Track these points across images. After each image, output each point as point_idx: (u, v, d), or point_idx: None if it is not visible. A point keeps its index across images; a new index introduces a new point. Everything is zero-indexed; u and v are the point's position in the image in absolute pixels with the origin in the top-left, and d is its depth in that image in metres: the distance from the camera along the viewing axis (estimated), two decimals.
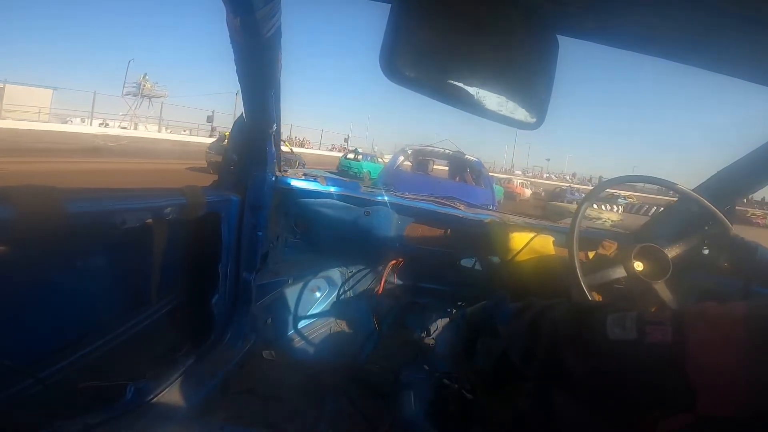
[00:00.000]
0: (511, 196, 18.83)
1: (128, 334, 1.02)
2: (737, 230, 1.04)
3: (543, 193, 21.53)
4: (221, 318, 1.32)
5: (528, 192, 20.92)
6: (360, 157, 15.73)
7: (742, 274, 1.01)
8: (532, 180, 32.14)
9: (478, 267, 1.62)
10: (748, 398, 0.36)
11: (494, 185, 6.11)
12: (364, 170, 14.22)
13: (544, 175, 47.83)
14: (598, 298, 0.94)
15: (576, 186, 26.70)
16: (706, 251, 1.16)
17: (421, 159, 5.82)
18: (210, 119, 24.32)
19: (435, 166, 6.30)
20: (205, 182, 1.32)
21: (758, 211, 22.39)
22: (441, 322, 1.52)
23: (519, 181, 22.80)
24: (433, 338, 1.41)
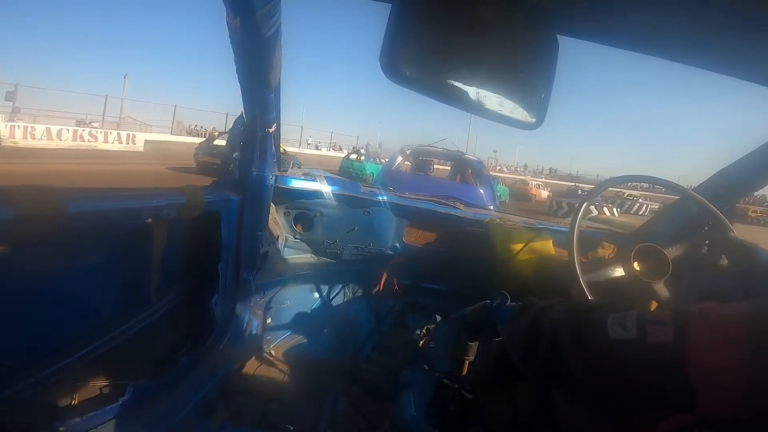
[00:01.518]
0: (525, 197, 18.26)
1: (128, 334, 1.02)
2: (746, 230, 1.05)
3: (551, 194, 20.77)
4: (221, 318, 1.32)
5: (545, 194, 20.02)
6: (363, 158, 15.10)
7: (742, 275, 1.01)
8: (544, 180, 31.37)
9: (478, 267, 1.62)
10: (749, 398, 0.36)
11: (499, 185, 6.07)
12: (367, 172, 13.32)
13: (497, 167, 46.02)
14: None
15: (581, 185, 26.40)
16: (706, 251, 1.16)
17: (421, 159, 5.79)
18: (10, 96, 16.19)
19: (435, 166, 6.27)
20: None
21: None
22: (441, 322, 1.52)
23: (534, 182, 22.24)
24: (432, 338, 1.41)
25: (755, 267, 0.97)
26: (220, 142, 10.76)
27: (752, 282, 0.97)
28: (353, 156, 15.41)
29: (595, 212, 13.14)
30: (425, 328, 1.30)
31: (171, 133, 21.00)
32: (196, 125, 27.14)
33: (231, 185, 1.31)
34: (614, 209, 13.73)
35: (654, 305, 0.96)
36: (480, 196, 4.45)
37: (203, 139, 13.50)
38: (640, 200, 20.05)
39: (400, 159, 5.51)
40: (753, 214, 20.72)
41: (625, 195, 20.11)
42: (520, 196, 18.31)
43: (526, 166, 53.91)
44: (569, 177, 48.41)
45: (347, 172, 12.83)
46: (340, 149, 32.94)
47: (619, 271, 0.99)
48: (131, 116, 22.10)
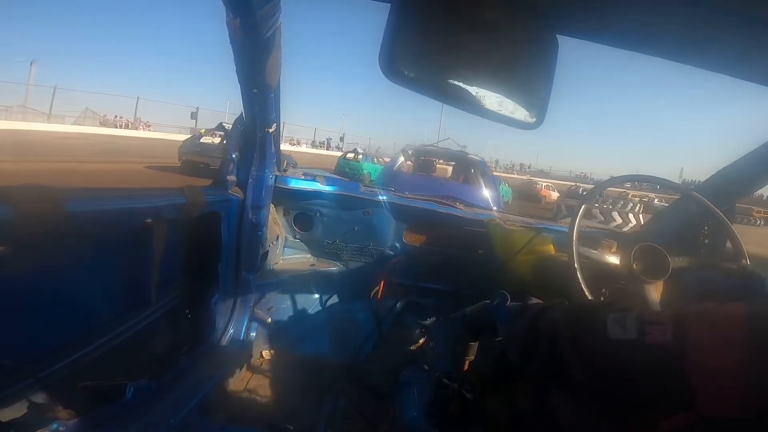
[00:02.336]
0: (535, 198, 18.07)
1: (128, 334, 1.02)
2: (753, 231, 1.03)
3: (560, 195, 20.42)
4: (221, 318, 1.32)
5: (555, 195, 19.29)
6: (360, 157, 14.56)
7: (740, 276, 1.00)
8: (553, 182, 30.39)
9: (477, 267, 1.62)
10: (748, 398, 0.35)
11: (502, 186, 5.90)
12: (364, 172, 12.79)
13: None
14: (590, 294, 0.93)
15: (581, 185, 26.09)
16: (706, 251, 1.16)
17: (423, 159, 5.75)
18: None
19: (438, 166, 6.21)
20: None
21: None
22: (436, 322, 1.52)
23: (545, 183, 21.92)
24: (432, 338, 1.41)
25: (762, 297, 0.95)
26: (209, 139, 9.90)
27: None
28: (350, 155, 14.81)
29: (619, 220, 10.51)
30: (422, 328, 1.30)
31: (51, 120, 17.80)
32: (116, 116, 22.81)
33: (231, 185, 1.31)
34: (640, 215, 10.84)
35: (653, 305, 0.96)
36: (483, 196, 4.40)
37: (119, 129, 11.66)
38: (656, 201, 19.56)
39: (401, 159, 5.48)
40: (758, 215, 20.62)
41: (630, 196, 19.63)
42: (530, 197, 18.14)
43: (497, 162, 52.40)
44: (541, 173, 47.51)
45: (343, 172, 12.27)
46: (298, 143, 31.21)
47: (614, 260, 0.99)
48: (28, 105, 19.14)
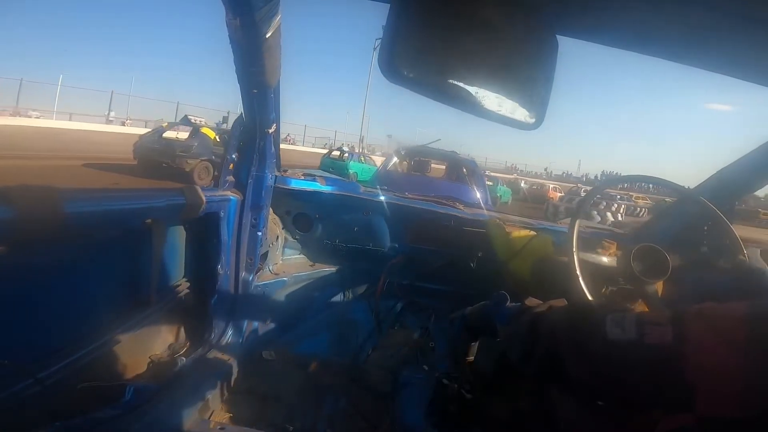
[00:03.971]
0: (543, 200, 17.92)
1: (128, 334, 1.02)
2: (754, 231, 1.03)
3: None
4: (221, 318, 1.32)
5: (560, 196, 19.42)
6: (346, 155, 13.89)
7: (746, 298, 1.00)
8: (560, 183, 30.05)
9: (477, 267, 1.62)
10: (748, 399, 0.35)
11: (500, 186, 5.86)
12: (351, 171, 12.47)
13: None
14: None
15: (581, 186, 26.17)
16: (706, 251, 1.16)
17: (416, 159, 5.78)
18: None
19: (432, 166, 6.25)
20: None
21: None
22: (441, 323, 1.52)
23: (552, 185, 22.28)
24: (432, 338, 1.41)
25: (763, 291, 0.96)
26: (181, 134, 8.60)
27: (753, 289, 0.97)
28: (335, 153, 14.26)
29: (598, 219, 10.06)
30: (422, 328, 1.30)
31: None
32: None
33: (231, 185, 1.31)
34: (619, 215, 10.57)
35: (652, 305, 0.96)
36: (476, 195, 4.46)
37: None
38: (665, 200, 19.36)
39: (394, 160, 5.53)
40: (765, 217, 20.54)
41: (633, 197, 19.38)
42: (537, 198, 18.29)
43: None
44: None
45: (328, 172, 11.87)
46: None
47: (612, 262, 0.99)
48: None
